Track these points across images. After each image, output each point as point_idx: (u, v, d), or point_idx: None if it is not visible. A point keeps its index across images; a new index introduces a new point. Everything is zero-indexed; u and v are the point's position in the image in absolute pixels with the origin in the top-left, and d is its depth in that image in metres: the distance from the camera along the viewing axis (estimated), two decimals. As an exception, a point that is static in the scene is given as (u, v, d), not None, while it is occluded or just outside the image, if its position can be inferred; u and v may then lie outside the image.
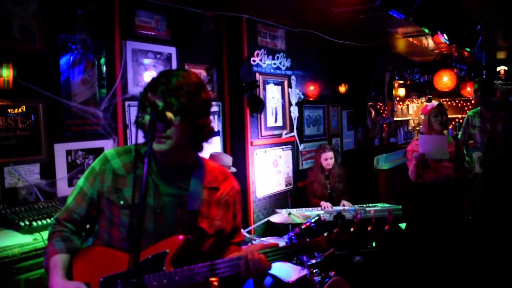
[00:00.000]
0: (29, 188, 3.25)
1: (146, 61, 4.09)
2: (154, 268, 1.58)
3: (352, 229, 1.70)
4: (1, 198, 3.09)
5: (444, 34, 4.15)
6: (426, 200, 4.27)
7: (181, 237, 1.61)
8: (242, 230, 1.98)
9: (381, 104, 8.27)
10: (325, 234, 1.73)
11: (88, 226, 1.82)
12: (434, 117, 4.31)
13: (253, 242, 3.50)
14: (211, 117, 4.58)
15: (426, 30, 3.79)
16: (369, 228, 1.70)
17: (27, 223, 2.73)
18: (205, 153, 4.33)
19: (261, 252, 1.63)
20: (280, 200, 5.34)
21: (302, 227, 3.81)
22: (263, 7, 4.66)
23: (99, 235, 1.74)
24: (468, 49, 4.98)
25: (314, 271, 3.66)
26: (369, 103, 7.78)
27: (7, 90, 3.09)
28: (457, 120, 9.19)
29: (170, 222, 1.65)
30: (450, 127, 7.89)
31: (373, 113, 7.98)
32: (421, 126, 4.56)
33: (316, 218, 3.93)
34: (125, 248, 1.63)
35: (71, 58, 3.53)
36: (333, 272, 3.66)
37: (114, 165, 1.72)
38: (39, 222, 2.77)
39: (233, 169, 4.22)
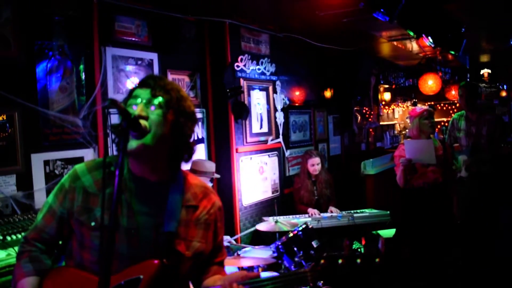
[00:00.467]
0: (5, 200, 3.11)
1: (127, 67, 3.98)
2: None
3: (340, 261, 1.56)
4: (-25, 211, 2.97)
5: (429, 37, 4.12)
6: (415, 205, 4.21)
7: (156, 261, 1.49)
8: (230, 240, 1.85)
9: (367, 109, 8.26)
10: (310, 267, 1.61)
11: (60, 242, 1.71)
12: (425, 119, 4.24)
13: (238, 253, 3.39)
14: (196, 127, 4.51)
15: (411, 33, 3.75)
16: (359, 261, 1.57)
17: (0, 237, 2.60)
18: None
19: (240, 283, 1.53)
20: (267, 208, 5.25)
21: (289, 235, 3.74)
22: (246, 11, 4.59)
23: (71, 255, 1.62)
24: (453, 52, 4.97)
25: (302, 280, 3.57)
26: (355, 108, 7.76)
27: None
28: (442, 123, 9.21)
29: (145, 245, 1.53)
30: (436, 131, 7.90)
31: (359, 117, 7.95)
32: (407, 130, 4.50)
33: (304, 226, 3.86)
34: (97, 271, 1.49)
35: (48, 65, 3.41)
36: (321, 282, 3.57)
37: (85, 182, 1.59)
38: (14, 236, 2.65)
39: (217, 175, 4.14)
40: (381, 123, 8.91)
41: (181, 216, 1.59)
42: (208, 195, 1.71)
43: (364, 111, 8.18)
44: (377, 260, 1.58)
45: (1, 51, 3.14)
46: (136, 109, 1.50)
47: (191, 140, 1.65)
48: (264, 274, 3.61)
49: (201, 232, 1.64)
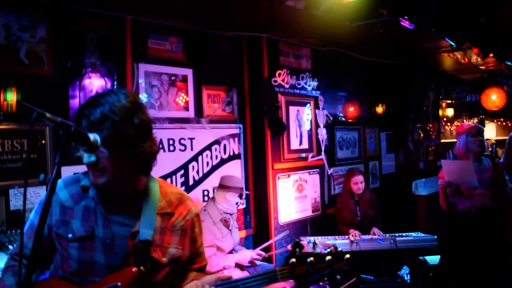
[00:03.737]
0: (34, 210, 3.25)
1: (160, 83, 4.05)
2: None
3: (311, 260, 1.62)
4: (5, 220, 3.12)
5: (477, 47, 3.75)
6: (460, 232, 3.78)
7: (134, 269, 1.53)
8: (205, 255, 1.84)
9: (431, 126, 7.77)
10: (279, 267, 1.64)
11: (43, 259, 1.74)
12: (473, 136, 3.85)
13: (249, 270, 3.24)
14: (232, 143, 4.46)
15: (451, 42, 3.44)
16: (328, 258, 1.63)
17: (10, 246, 2.70)
18: (216, 176, 4.12)
19: (213, 285, 1.60)
20: (306, 227, 5.05)
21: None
22: (283, 26, 4.52)
23: (55, 269, 1.68)
24: (510, 63, 4.50)
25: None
26: (418, 125, 7.34)
27: (13, 114, 3.13)
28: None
29: (122, 253, 1.57)
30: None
31: (421, 134, 7.51)
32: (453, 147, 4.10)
33: (332, 248, 3.63)
34: (77, 282, 1.58)
35: (81, 82, 3.55)
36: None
37: (61, 197, 1.66)
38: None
39: (246, 192, 4.04)
40: (442, 140, 8.35)
41: (156, 224, 1.62)
42: (184, 202, 1.74)
43: (428, 128, 7.70)
44: (347, 256, 1.65)
45: (36, 69, 3.32)
46: (85, 156, 1.50)
47: (150, 145, 1.58)
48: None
49: (177, 239, 1.67)
